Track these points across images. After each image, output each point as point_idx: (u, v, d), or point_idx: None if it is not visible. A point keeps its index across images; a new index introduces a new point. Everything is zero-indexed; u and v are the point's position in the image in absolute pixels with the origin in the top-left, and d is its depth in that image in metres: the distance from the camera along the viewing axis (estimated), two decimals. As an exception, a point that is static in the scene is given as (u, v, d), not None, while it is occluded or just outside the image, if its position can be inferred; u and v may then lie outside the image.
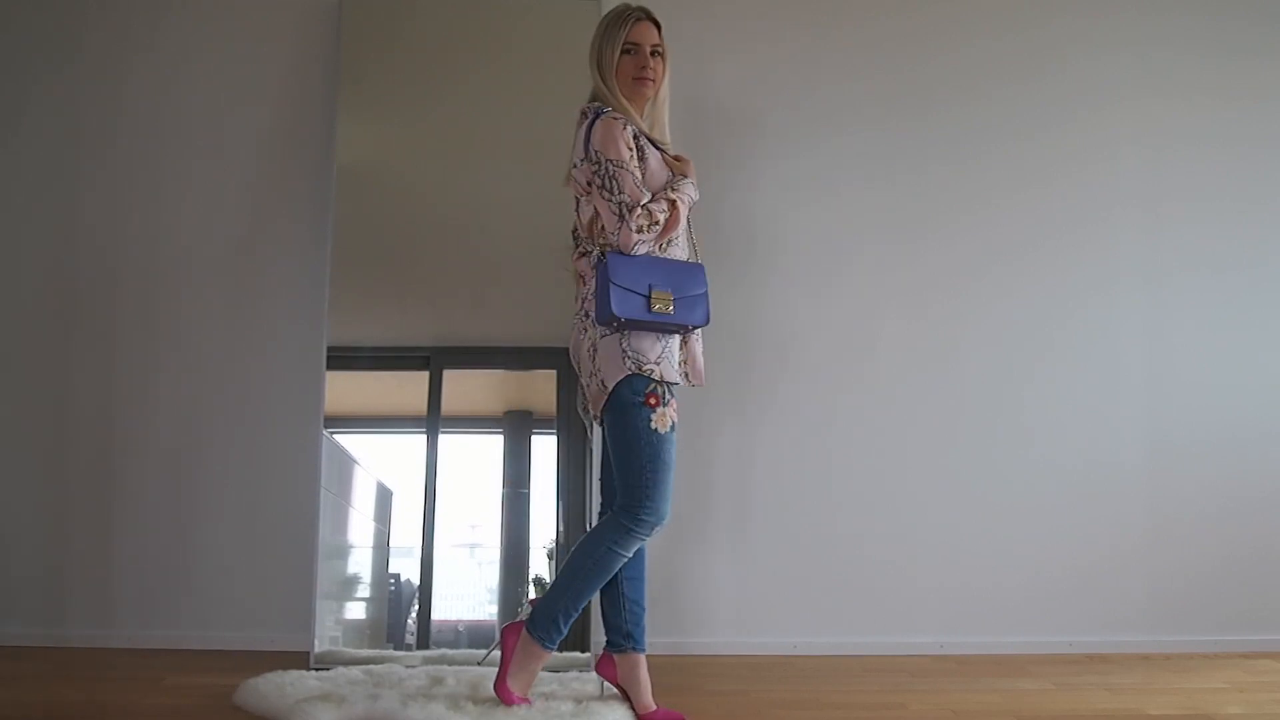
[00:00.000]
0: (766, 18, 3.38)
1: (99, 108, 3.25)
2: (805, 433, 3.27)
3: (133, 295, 3.21)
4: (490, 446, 3.24)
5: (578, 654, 2.92)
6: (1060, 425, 3.31)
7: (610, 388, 2.35)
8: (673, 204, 2.38)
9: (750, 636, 3.18)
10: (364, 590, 3.21)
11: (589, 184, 2.40)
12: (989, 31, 3.42)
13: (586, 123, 2.41)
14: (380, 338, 3.21)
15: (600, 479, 2.59)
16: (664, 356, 2.36)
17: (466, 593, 3.15)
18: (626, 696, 2.46)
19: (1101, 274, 3.37)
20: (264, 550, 3.13)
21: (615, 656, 2.48)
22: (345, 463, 3.16)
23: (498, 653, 2.42)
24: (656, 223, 2.35)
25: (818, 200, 3.33)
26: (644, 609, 2.50)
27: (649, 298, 2.31)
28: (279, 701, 2.39)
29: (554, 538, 3.07)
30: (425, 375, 3.14)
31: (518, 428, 3.23)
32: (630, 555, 2.38)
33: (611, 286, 2.29)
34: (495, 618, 3.10)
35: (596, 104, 2.44)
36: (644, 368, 2.33)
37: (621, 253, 2.34)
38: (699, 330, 2.45)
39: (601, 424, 2.44)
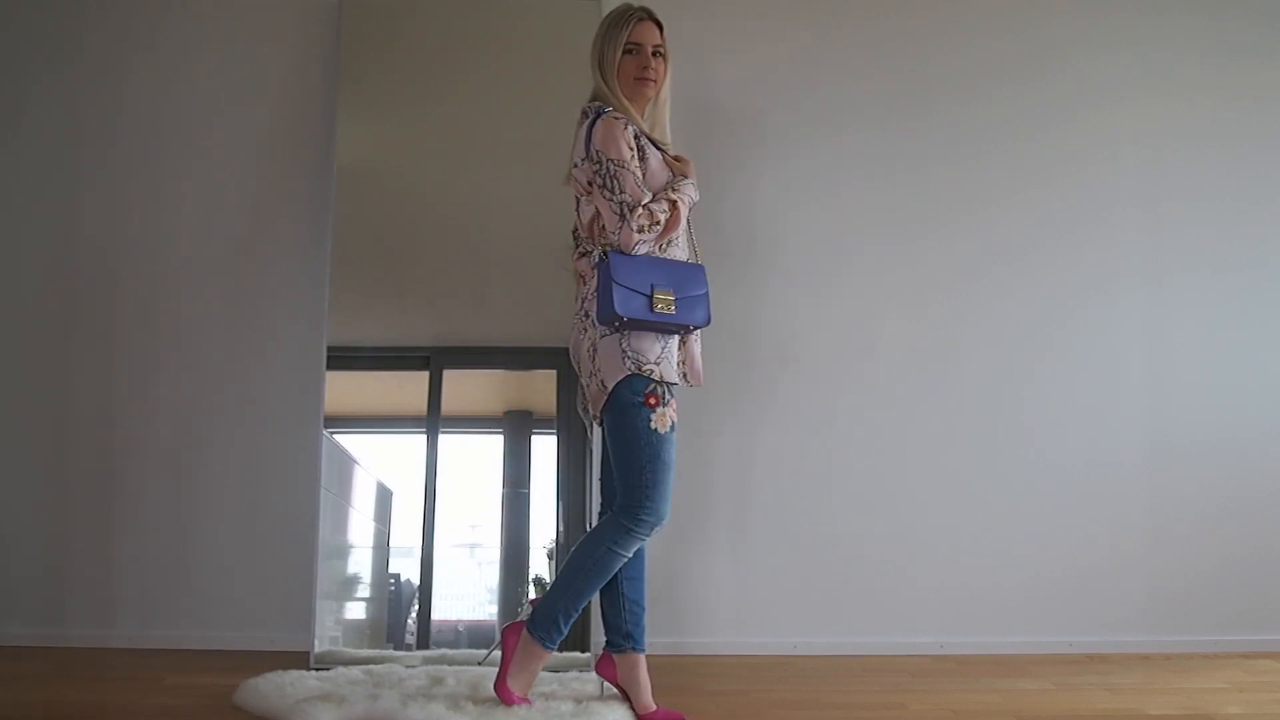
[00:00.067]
0: (766, 18, 3.38)
1: (99, 108, 3.25)
2: (805, 433, 3.27)
3: (133, 295, 3.21)
4: (490, 446, 3.24)
5: (578, 654, 2.92)
6: (1060, 425, 3.31)
7: (610, 388, 2.35)
8: (673, 204, 2.38)
9: (750, 636, 3.18)
10: (364, 590, 3.21)
11: (590, 184, 2.40)
12: (989, 31, 3.42)
13: (587, 122, 2.41)
14: (380, 338, 3.21)
15: (600, 479, 2.59)
16: (664, 357, 2.36)
17: (466, 593, 3.15)
18: (626, 696, 2.46)
19: (1101, 274, 3.37)
20: (264, 550, 3.13)
21: (615, 656, 2.48)
22: (345, 463, 3.16)
23: (498, 653, 2.42)
24: (657, 223, 2.35)
25: (818, 200, 3.33)
26: (644, 609, 2.50)
27: (651, 297, 2.31)
28: (279, 701, 2.39)
29: (554, 538, 3.07)
30: (425, 375, 3.14)
31: (518, 428, 3.23)
32: (630, 555, 2.38)
33: (614, 286, 2.29)
34: (495, 618, 3.10)
35: (597, 104, 2.44)
36: (644, 368, 2.33)
37: (623, 252, 2.34)
38: (698, 331, 2.45)
39: (601, 424, 2.44)
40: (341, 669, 2.76)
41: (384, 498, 3.19)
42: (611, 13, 2.50)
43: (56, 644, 3.05)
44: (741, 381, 3.25)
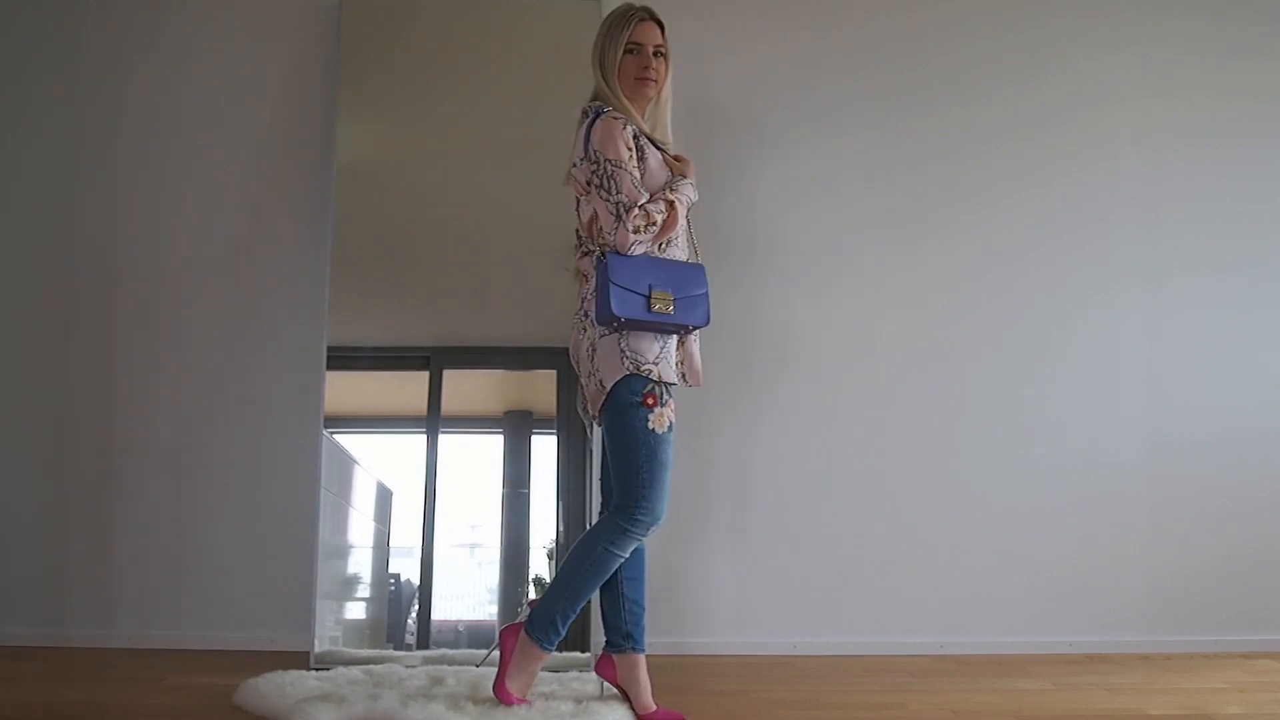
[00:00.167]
0: (766, 18, 3.38)
1: (99, 108, 3.25)
2: (805, 433, 3.27)
3: (133, 295, 3.21)
4: (490, 446, 3.24)
5: (578, 654, 2.92)
6: (1060, 425, 3.31)
7: (608, 388, 2.35)
8: (671, 205, 2.38)
9: (750, 636, 3.18)
10: (364, 590, 3.21)
11: (588, 183, 2.40)
12: (989, 31, 3.42)
13: (587, 122, 2.41)
14: (380, 338, 3.21)
15: (600, 479, 2.58)
16: (662, 357, 2.36)
17: (466, 593, 3.15)
18: (626, 697, 2.46)
19: (1101, 274, 3.37)
20: (264, 550, 3.13)
21: (615, 657, 2.48)
22: (345, 463, 3.16)
23: (496, 654, 2.42)
24: (654, 223, 2.35)
25: (818, 200, 3.33)
26: (644, 609, 2.50)
27: (649, 298, 2.31)
28: (279, 701, 2.39)
29: (554, 538, 3.07)
30: (425, 375, 3.14)
31: (518, 428, 3.23)
32: (627, 555, 2.38)
33: (611, 286, 2.29)
34: (495, 618, 3.10)
35: (598, 103, 2.44)
36: (642, 368, 2.33)
37: (620, 253, 2.34)
38: (697, 331, 2.45)
39: (600, 424, 2.44)
40: (341, 669, 2.76)
41: (384, 498, 3.19)
42: (612, 12, 2.50)
43: (56, 644, 3.05)
44: (741, 381, 3.25)
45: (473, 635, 3.09)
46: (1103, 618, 3.23)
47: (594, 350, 2.39)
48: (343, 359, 3.06)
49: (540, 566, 3.09)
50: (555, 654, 2.73)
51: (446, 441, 3.11)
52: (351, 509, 3.22)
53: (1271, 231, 3.42)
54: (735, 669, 2.98)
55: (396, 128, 3.29)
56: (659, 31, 2.48)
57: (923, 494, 3.27)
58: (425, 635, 3.02)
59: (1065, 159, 3.38)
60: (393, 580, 3.17)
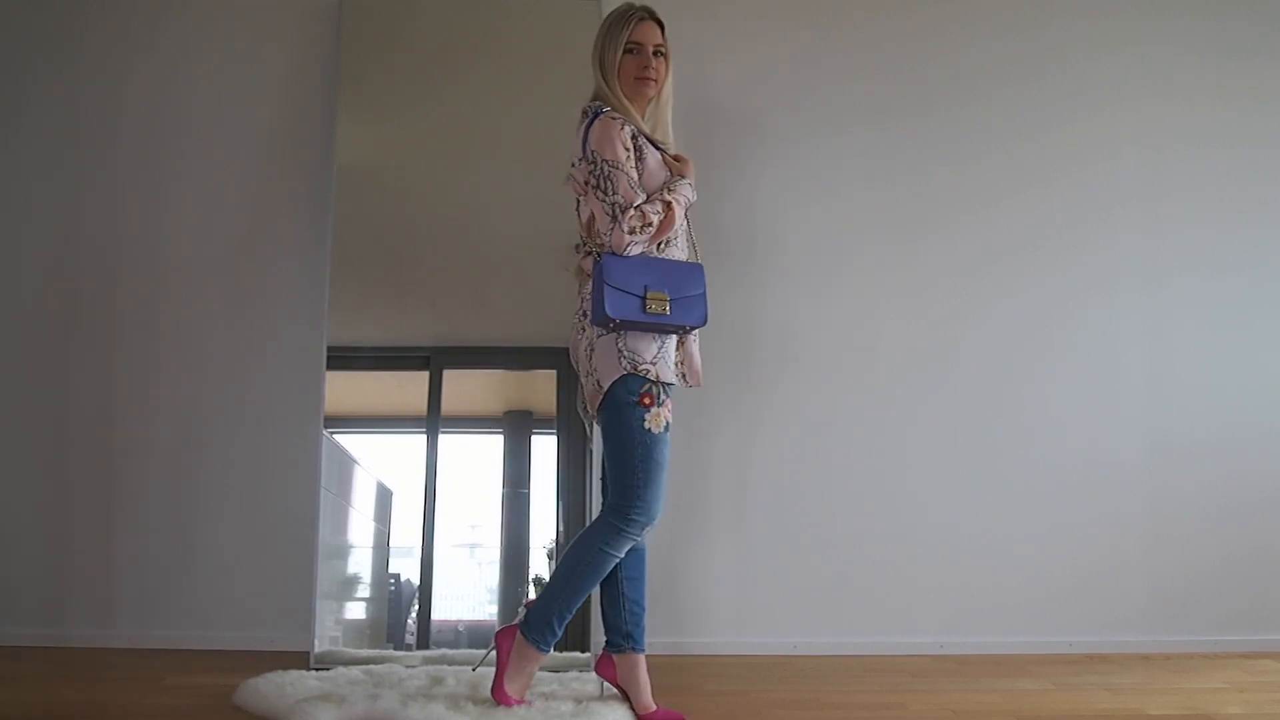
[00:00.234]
0: (766, 18, 3.38)
1: (99, 108, 3.25)
2: (805, 433, 3.27)
3: (133, 295, 3.21)
4: (490, 446, 3.24)
5: (578, 654, 2.92)
6: (1060, 425, 3.31)
7: (605, 387, 2.35)
8: (668, 205, 2.38)
9: (750, 636, 3.18)
10: (364, 590, 3.21)
11: (586, 184, 2.40)
12: (989, 31, 3.42)
13: (586, 122, 2.41)
14: (380, 338, 3.21)
15: (601, 479, 2.58)
16: (660, 357, 2.36)
17: (466, 593, 3.15)
18: (626, 697, 2.46)
19: (1101, 274, 3.37)
20: (264, 550, 3.13)
21: (615, 657, 2.48)
22: (345, 463, 3.16)
23: (493, 655, 2.42)
24: (650, 224, 2.35)
25: (818, 200, 3.33)
26: (644, 609, 2.50)
27: (644, 299, 2.31)
28: (279, 701, 2.39)
29: (554, 538, 3.07)
30: (425, 375, 3.14)
31: (518, 428, 3.23)
32: (622, 555, 2.38)
33: (606, 288, 2.29)
34: (495, 618, 3.10)
35: (597, 103, 2.44)
36: (639, 367, 2.33)
37: (616, 254, 2.34)
38: (696, 331, 2.45)
39: (598, 423, 2.44)
40: (341, 669, 2.76)
41: (384, 498, 3.19)
42: (613, 12, 2.50)
43: (56, 644, 3.05)
44: (742, 381, 3.25)
45: (473, 635, 3.08)
46: (1103, 618, 3.23)
47: (592, 350, 2.39)
48: (343, 359, 3.06)
49: (540, 566, 3.09)
50: (556, 654, 2.73)
51: (446, 441, 3.11)
52: (351, 509, 3.22)
53: (1271, 231, 3.42)
54: (735, 669, 2.98)
55: (396, 128, 3.29)
56: (659, 31, 2.48)
57: (923, 494, 3.27)
58: (425, 635, 3.02)
59: (1065, 159, 3.38)
60: (393, 580, 3.17)
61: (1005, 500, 3.27)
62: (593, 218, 2.42)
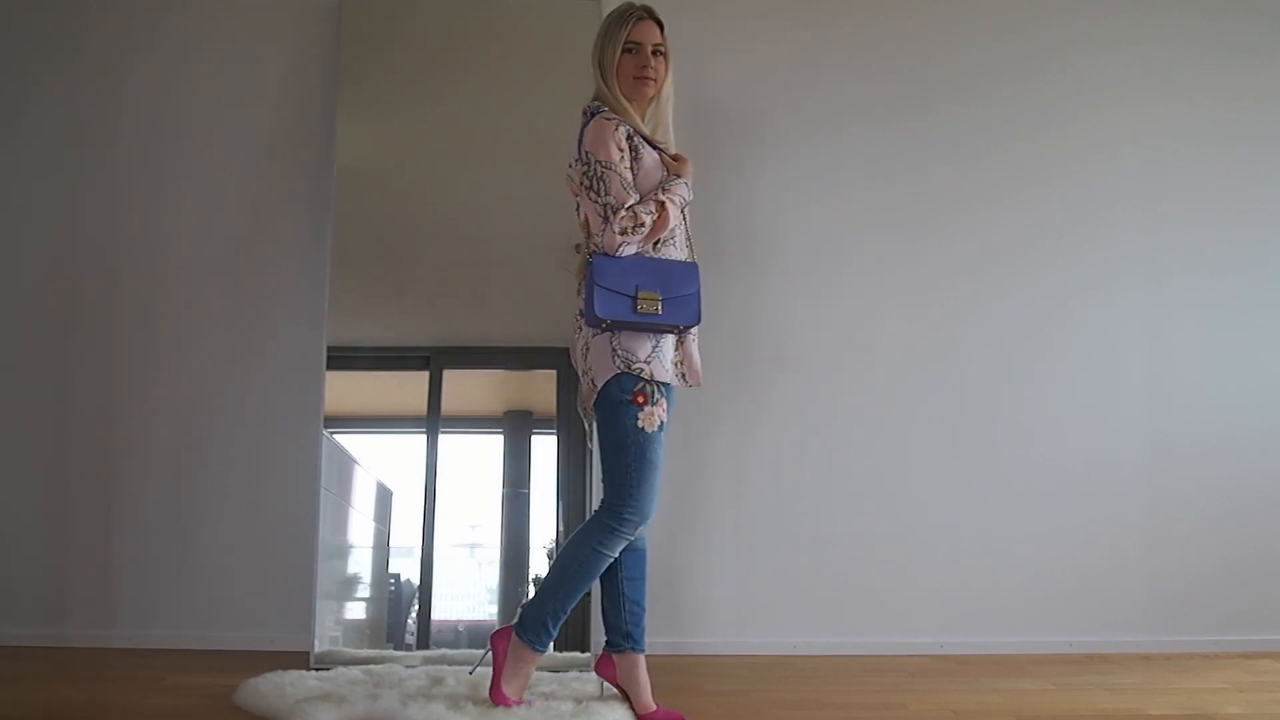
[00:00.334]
0: (766, 18, 3.38)
1: (99, 108, 3.25)
2: (805, 433, 3.27)
3: (133, 295, 3.21)
4: (490, 446, 3.24)
5: (578, 654, 2.92)
6: (1060, 425, 3.31)
7: (599, 386, 2.35)
8: (661, 205, 2.37)
9: (750, 636, 3.18)
10: (364, 590, 3.21)
11: (581, 184, 2.40)
12: (989, 31, 3.42)
13: (583, 123, 2.42)
14: (380, 338, 3.21)
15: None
16: (654, 356, 2.36)
17: (466, 593, 3.15)
18: (626, 697, 2.46)
19: (1101, 274, 3.36)
20: (264, 550, 3.13)
21: (615, 657, 2.48)
22: (345, 463, 3.16)
23: (489, 657, 2.42)
24: (642, 224, 2.35)
25: (818, 200, 3.33)
26: (644, 609, 2.50)
27: (635, 298, 2.31)
28: (279, 701, 2.39)
29: (554, 538, 3.07)
30: (425, 375, 3.14)
31: (518, 428, 3.23)
32: (615, 555, 2.38)
33: (596, 288, 2.30)
34: (495, 618, 3.10)
35: (597, 103, 2.45)
36: (633, 366, 2.33)
37: (608, 254, 2.34)
38: (696, 331, 2.45)
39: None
40: (341, 669, 2.76)
41: (384, 498, 3.19)
42: (612, 12, 2.50)
43: (56, 644, 3.05)
44: (741, 381, 3.25)
45: (473, 635, 3.08)
46: (1103, 618, 3.23)
47: (588, 349, 2.39)
48: (343, 359, 3.06)
49: (540, 566, 3.09)
50: (556, 654, 2.73)
51: (446, 441, 3.11)
52: (351, 509, 3.22)
53: (1271, 231, 3.42)
54: (735, 669, 2.98)
55: (396, 128, 3.29)
56: (658, 30, 2.47)
57: (923, 494, 3.27)
58: (425, 635, 3.03)
59: (1065, 159, 3.38)
60: (393, 580, 3.17)
61: (1005, 500, 3.27)
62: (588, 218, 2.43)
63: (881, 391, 3.29)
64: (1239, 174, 3.41)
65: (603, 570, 2.39)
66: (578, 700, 2.43)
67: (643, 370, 2.33)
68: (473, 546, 3.14)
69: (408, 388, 3.18)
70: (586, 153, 2.37)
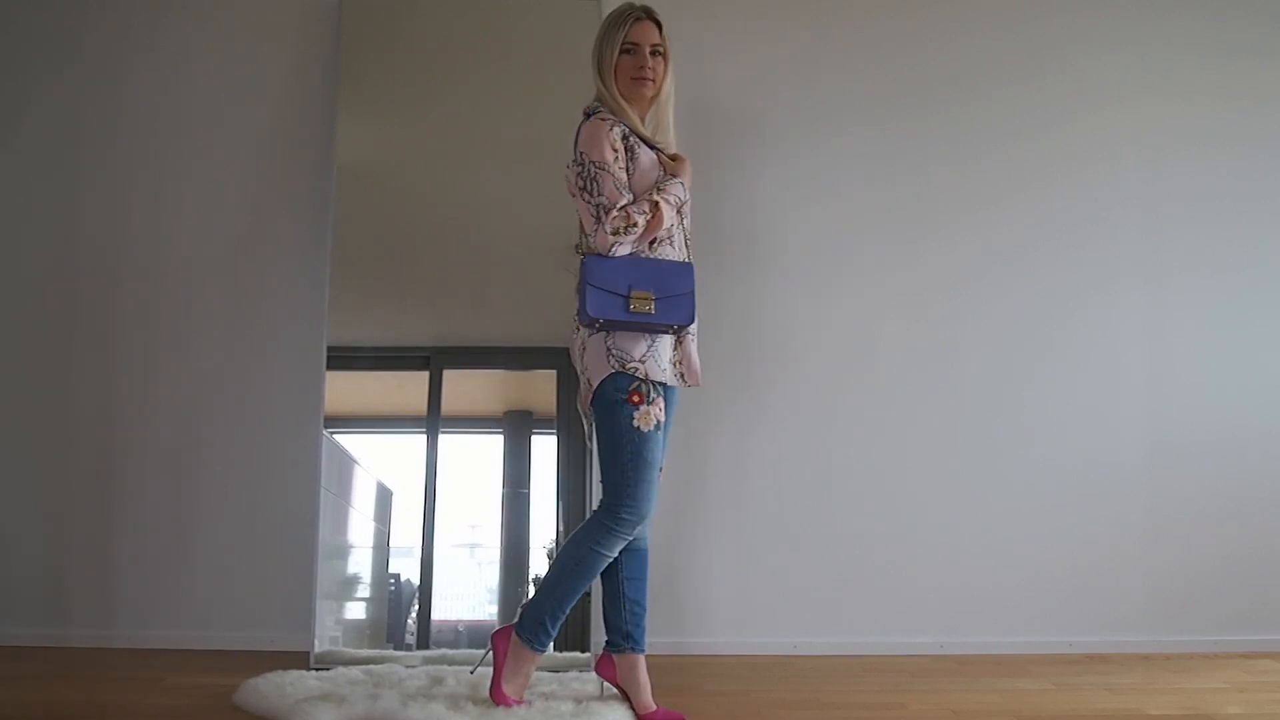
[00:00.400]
0: (766, 18, 3.38)
1: (99, 108, 3.25)
2: (805, 433, 3.27)
3: (133, 295, 3.21)
4: (490, 446, 3.24)
5: (578, 654, 2.92)
6: (1060, 425, 3.31)
7: (594, 385, 2.36)
8: (655, 205, 2.37)
9: (750, 636, 3.18)
10: (364, 590, 3.21)
11: (576, 184, 2.40)
12: (989, 31, 3.42)
13: (579, 124, 2.42)
14: (380, 338, 3.21)
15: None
16: (650, 355, 2.35)
17: (466, 593, 3.15)
18: (626, 697, 2.46)
19: (1101, 274, 3.36)
20: (264, 550, 3.13)
21: (615, 657, 2.48)
22: (345, 463, 3.16)
23: (490, 657, 2.42)
24: (635, 225, 2.34)
25: (818, 200, 3.33)
26: (645, 610, 2.50)
27: (628, 298, 2.31)
28: (279, 701, 2.39)
29: (554, 538, 3.07)
30: (425, 375, 3.14)
31: (518, 428, 3.23)
32: (613, 555, 2.38)
33: (588, 288, 2.30)
34: (495, 618, 3.10)
35: (595, 104, 2.45)
36: (627, 365, 2.33)
37: (600, 254, 2.34)
38: (694, 331, 2.45)
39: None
40: (341, 669, 2.76)
41: (384, 498, 3.19)
42: (612, 12, 2.50)
43: (56, 644, 3.05)
44: (741, 381, 3.25)
45: (473, 635, 3.08)
46: (1103, 618, 3.23)
47: (584, 349, 2.40)
48: (343, 359, 3.06)
49: (540, 566, 3.09)
50: (556, 654, 2.73)
51: (446, 441, 3.11)
52: (351, 509, 3.22)
53: (1271, 231, 3.42)
54: (735, 669, 2.98)
55: (396, 128, 3.29)
56: (656, 31, 2.47)
57: (923, 494, 3.27)
58: (425, 635, 3.03)
59: (1065, 159, 3.38)
60: (393, 580, 3.17)
61: (1005, 500, 3.27)
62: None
63: (881, 391, 3.29)
64: (1239, 174, 3.41)
65: (601, 570, 2.39)
66: (578, 700, 2.43)
67: (637, 369, 2.33)
68: (473, 546, 3.14)
69: (408, 388, 3.18)
70: (581, 153, 2.37)
